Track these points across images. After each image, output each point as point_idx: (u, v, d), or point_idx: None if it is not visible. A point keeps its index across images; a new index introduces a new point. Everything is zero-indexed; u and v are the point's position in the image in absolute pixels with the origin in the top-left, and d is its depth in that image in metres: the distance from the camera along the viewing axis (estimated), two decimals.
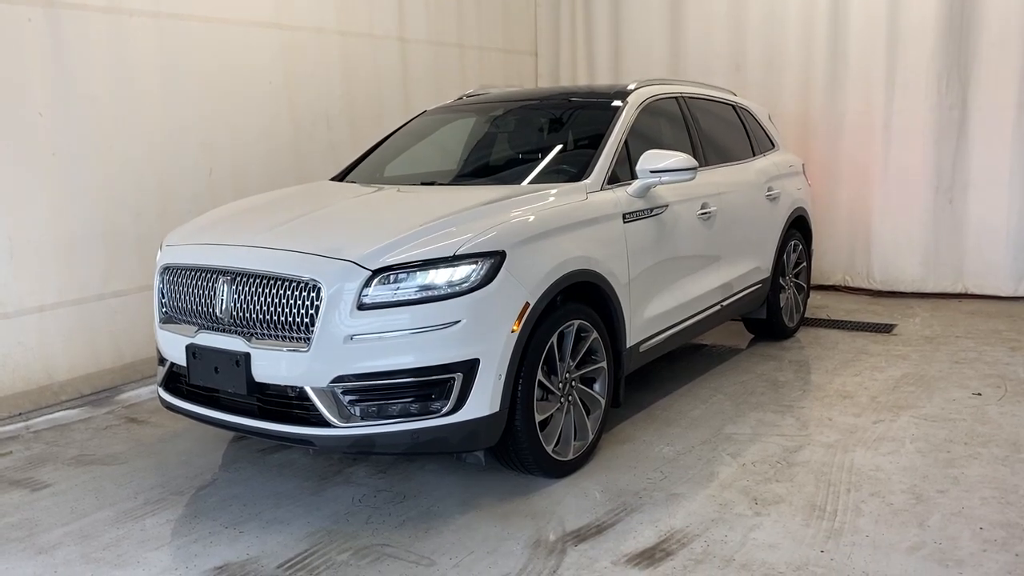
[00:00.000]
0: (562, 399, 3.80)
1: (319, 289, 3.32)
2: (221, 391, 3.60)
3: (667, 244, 4.53)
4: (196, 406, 3.72)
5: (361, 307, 3.30)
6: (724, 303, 5.21)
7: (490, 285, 3.38)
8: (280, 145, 6.21)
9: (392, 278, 3.33)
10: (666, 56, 8.37)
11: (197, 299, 3.66)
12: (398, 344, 3.30)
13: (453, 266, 3.37)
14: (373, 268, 3.31)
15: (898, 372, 5.29)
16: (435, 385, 3.34)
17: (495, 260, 3.41)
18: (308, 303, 3.34)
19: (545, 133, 4.91)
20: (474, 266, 3.38)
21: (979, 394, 4.81)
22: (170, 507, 3.66)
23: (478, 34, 8.09)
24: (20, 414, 4.77)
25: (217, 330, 3.57)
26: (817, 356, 5.72)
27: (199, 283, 3.65)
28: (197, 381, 3.62)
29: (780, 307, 6.02)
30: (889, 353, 5.74)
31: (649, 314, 4.40)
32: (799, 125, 7.72)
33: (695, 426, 4.44)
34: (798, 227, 6.24)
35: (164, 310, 3.85)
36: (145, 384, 5.36)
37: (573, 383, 3.87)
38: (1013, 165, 6.98)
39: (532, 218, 3.69)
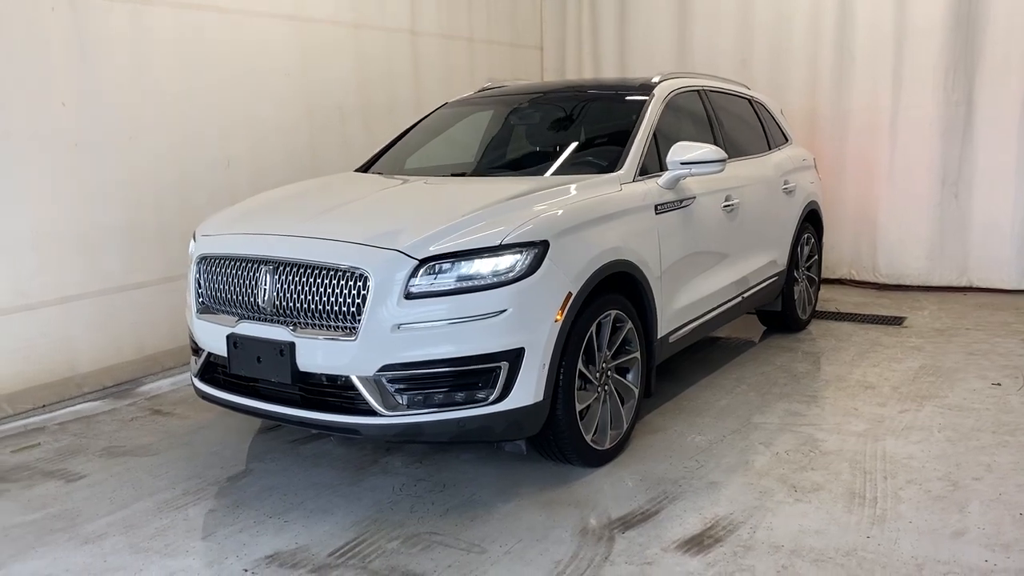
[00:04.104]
0: (599, 389, 3.82)
1: (366, 278, 3.32)
2: (261, 381, 3.60)
3: (695, 235, 4.56)
4: (234, 396, 3.71)
5: (408, 296, 3.31)
6: (745, 295, 5.26)
7: (535, 275, 3.40)
8: (296, 137, 6.19)
9: (439, 267, 3.34)
10: (672, 50, 8.40)
11: (237, 289, 3.65)
12: (445, 333, 3.31)
13: (498, 255, 3.38)
14: (420, 257, 3.32)
15: (915, 363, 5.35)
16: (481, 374, 3.35)
17: (539, 250, 3.43)
18: (355, 292, 3.35)
19: (571, 125, 4.92)
20: (519, 255, 3.39)
21: (999, 384, 4.87)
22: (210, 497, 3.65)
23: (487, 28, 8.09)
24: (44, 406, 4.74)
25: (259, 320, 3.56)
26: (833, 348, 5.77)
27: (239, 273, 3.64)
28: (238, 371, 3.61)
29: (795, 300, 6.07)
30: (903, 345, 5.80)
31: (678, 305, 4.43)
32: (805, 120, 7.77)
33: (724, 416, 4.48)
34: (811, 221, 6.30)
35: (201, 300, 3.84)
36: (166, 376, 5.34)
37: (609, 373, 3.89)
38: (1018, 161, 7.06)
39: (572, 208, 3.71)
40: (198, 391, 3.94)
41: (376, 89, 6.85)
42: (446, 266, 3.34)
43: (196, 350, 3.93)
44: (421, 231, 3.42)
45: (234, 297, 3.67)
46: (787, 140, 6.30)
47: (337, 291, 3.38)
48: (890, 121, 7.47)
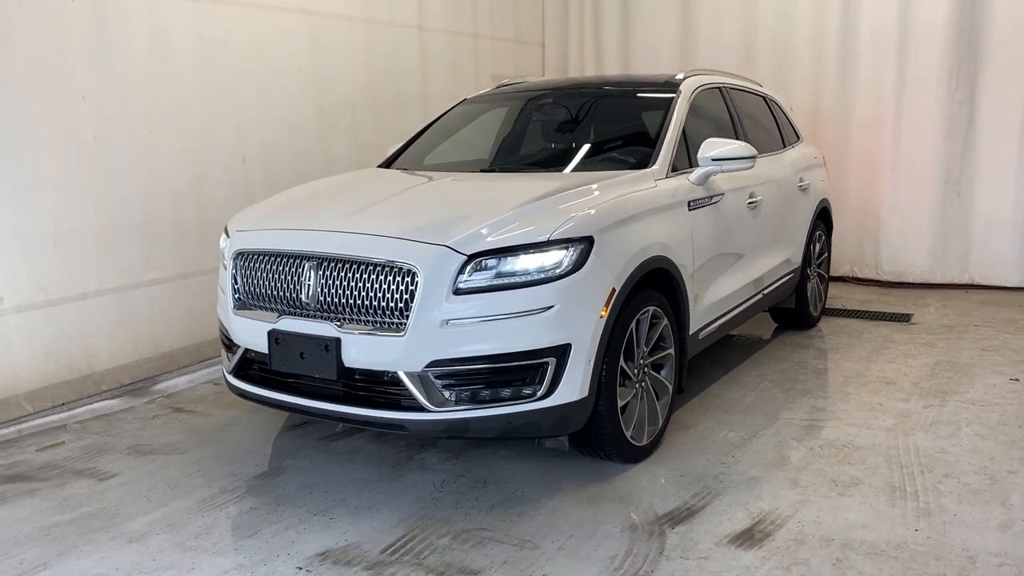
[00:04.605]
0: (637, 385, 3.82)
1: (414, 274, 3.30)
2: (302, 377, 3.56)
3: (723, 232, 4.58)
4: (272, 392, 3.67)
5: (456, 292, 3.29)
6: (765, 292, 5.29)
7: (581, 270, 3.39)
8: (307, 132, 6.14)
9: (487, 263, 3.32)
10: (675, 47, 8.43)
11: (279, 284, 3.61)
12: (493, 329, 3.30)
13: (545, 251, 3.37)
14: (469, 253, 3.30)
15: (930, 359, 5.41)
16: (529, 370, 3.34)
17: (585, 245, 3.42)
18: (403, 288, 3.32)
19: (597, 122, 4.92)
20: (565, 251, 3.39)
21: (1016, 380, 4.94)
22: (249, 495, 3.61)
23: (491, 24, 8.07)
24: (63, 404, 4.66)
25: (302, 315, 3.52)
26: (847, 344, 5.82)
27: (281, 268, 3.60)
28: (279, 367, 3.57)
29: (808, 297, 6.12)
30: (915, 341, 5.86)
31: (707, 301, 4.45)
32: (809, 118, 7.82)
33: (751, 412, 4.50)
34: (822, 218, 6.34)
35: (237, 296, 3.79)
36: (182, 374, 5.28)
37: (646, 369, 3.89)
38: (1020, 159, 7.17)
39: (615, 204, 3.71)
40: (233, 388, 3.90)
41: (385, 84, 6.81)
42: (494, 262, 3.33)
43: (230, 346, 3.89)
44: (468, 227, 3.40)
45: (275, 292, 3.62)
46: (799, 138, 6.34)
47: (385, 286, 3.36)
48: (894, 119, 7.56)
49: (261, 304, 3.69)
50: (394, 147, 5.24)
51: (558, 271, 3.36)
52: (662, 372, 4.04)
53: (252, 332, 3.67)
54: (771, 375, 5.15)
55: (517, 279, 3.32)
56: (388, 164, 5.01)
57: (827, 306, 6.81)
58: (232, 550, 3.14)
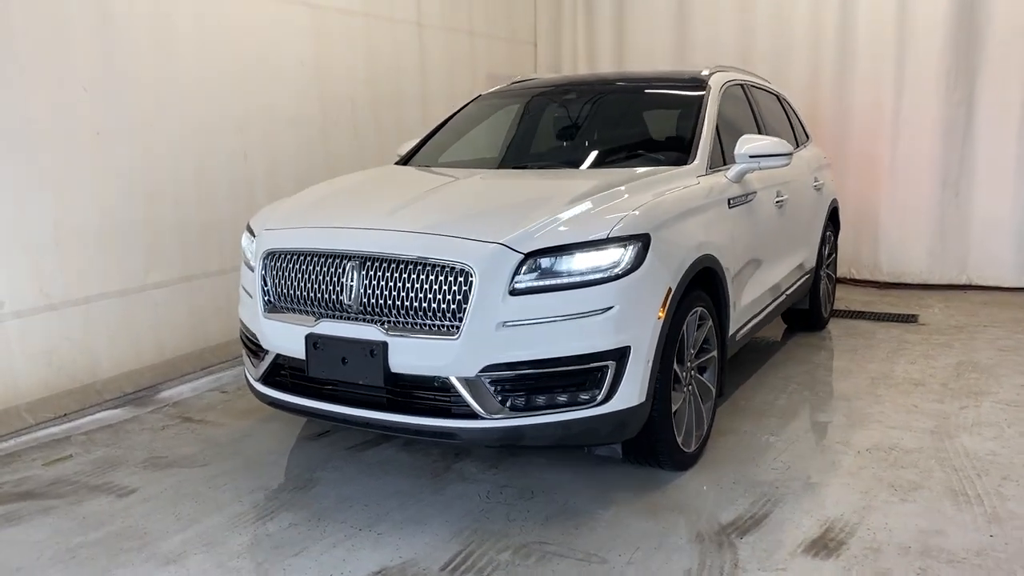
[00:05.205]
0: (685, 388, 3.68)
1: (468, 274, 3.12)
2: (341, 383, 3.36)
3: (758, 230, 4.47)
4: (308, 400, 3.45)
5: (513, 292, 3.12)
6: (788, 292, 5.20)
7: (639, 269, 3.24)
8: (309, 128, 5.92)
9: (544, 262, 3.15)
10: (671, 47, 8.34)
11: (317, 285, 3.39)
12: (552, 331, 3.13)
13: (602, 249, 3.21)
14: (526, 251, 3.13)
15: (951, 360, 5.36)
16: (589, 373, 3.18)
17: (642, 243, 3.27)
18: (456, 288, 3.14)
19: (625, 118, 4.79)
20: (623, 249, 3.23)
21: None
22: (285, 510, 3.39)
23: (486, 21, 7.90)
24: (65, 415, 4.39)
25: (343, 318, 3.32)
26: (863, 346, 5.75)
27: (319, 268, 3.39)
28: (317, 373, 3.36)
29: (820, 298, 6.05)
30: (929, 342, 5.81)
31: (743, 302, 4.33)
32: (807, 119, 7.73)
33: (788, 415, 4.39)
34: (832, 219, 6.29)
35: (267, 298, 3.56)
36: (184, 381, 5.02)
37: (692, 372, 3.76)
38: (1018, 160, 7.19)
39: (666, 201, 3.57)
40: (260, 395, 3.67)
41: (384, 81, 6.61)
42: (551, 261, 3.16)
43: (256, 351, 3.66)
44: (522, 224, 3.23)
45: (312, 294, 3.41)
46: (808, 138, 6.28)
47: (436, 287, 3.16)
48: (892, 120, 7.54)
49: (296, 307, 3.47)
50: (407, 144, 5.05)
51: (616, 270, 3.20)
52: (705, 375, 3.91)
53: (286, 336, 3.45)
54: (797, 377, 5.05)
55: (577, 279, 3.15)
56: (406, 161, 4.81)
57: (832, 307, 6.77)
58: (279, 570, 2.93)
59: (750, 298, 4.44)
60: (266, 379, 3.62)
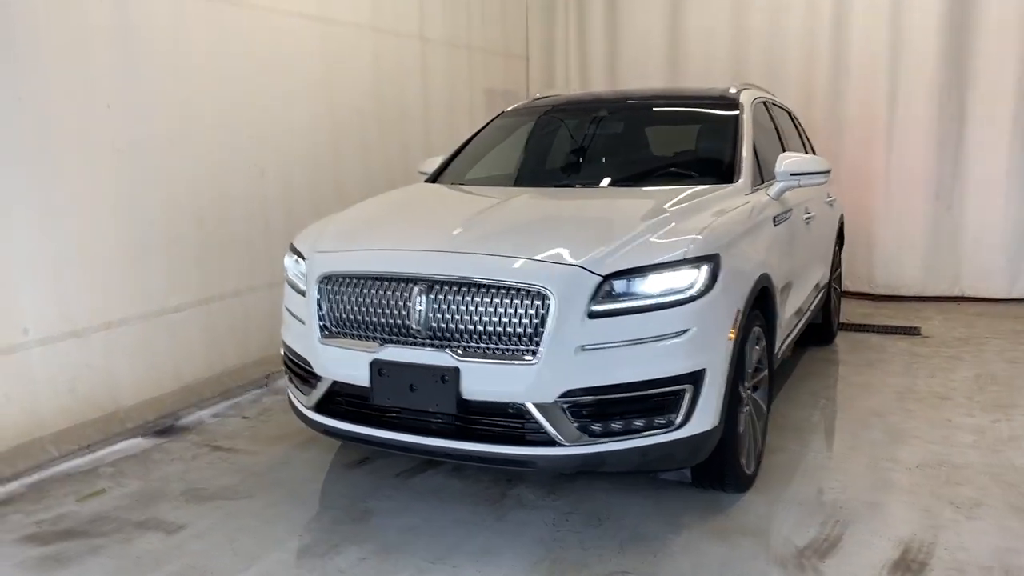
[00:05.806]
0: (744, 408, 3.65)
1: (545, 297, 3.04)
2: (405, 411, 3.25)
3: (795, 247, 4.48)
4: (370, 429, 3.33)
5: (591, 315, 3.05)
6: (811, 307, 5.22)
7: (713, 290, 3.20)
8: (321, 143, 5.78)
9: (620, 285, 3.10)
10: (664, 61, 8.35)
11: (381, 310, 3.28)
12: (630, 354, 3.07)
13: (677, 270, 3.16)
14: (604, 274, 3.07)
15: (968, 372, 5.42)
16: (667, 397, 3.12)
17: (715, 263, 3.23)
18: (533, 312, 3.06)
19: (660, 136, 4.77)
20: (697, 270, 3.19)
21: None
22: (349, 543, 3.26)
23: (483, 36, 7.84)
24: (88, 445, 4.19)
25: (410, 343, 3.21)
26: (877, 359, 5.80)
27: (383, 292, 3.28)
28: (382, 401, 3.24)
29: (831, 311, 6.09)
30: (940, 355, 5.88)
31: (784, 318, 4.32)
32: None
33: (829, 433, 4.40)
34: (840, 232, 6.34)
35: (323, 324, 3.44)
36: (203, 407, 4.83)
37: (749, 392, 3.73)
38: (1009, 174, 7.34)
39: (729, 220, 3.54)
40: (313, 424, 3.54)
41: (389, 95, 6.50)
42: (628, 283, 3.11)
43: (308, 379, 3.53)
44: (595, 246, 3.17)
45: (375, 319, 3.29)
46: (814, 153, 6.32)
47: (511, 310, 3.08)
48: (886, 134, 7.65)
49: (356, 332, 3.35)
50: (431, 161, 4.96)
51: (692, 292, 3.15)
52: (757, 394, 3.88)
53: (346, 363, 3.32)
54: (823, 392, 5.07)
55: (654, 301, 3.10)
56: (434, 179, 4.72)
57: None
58: None
59: (788, 314, 4.43)
60: (319, 406, 3.49)
